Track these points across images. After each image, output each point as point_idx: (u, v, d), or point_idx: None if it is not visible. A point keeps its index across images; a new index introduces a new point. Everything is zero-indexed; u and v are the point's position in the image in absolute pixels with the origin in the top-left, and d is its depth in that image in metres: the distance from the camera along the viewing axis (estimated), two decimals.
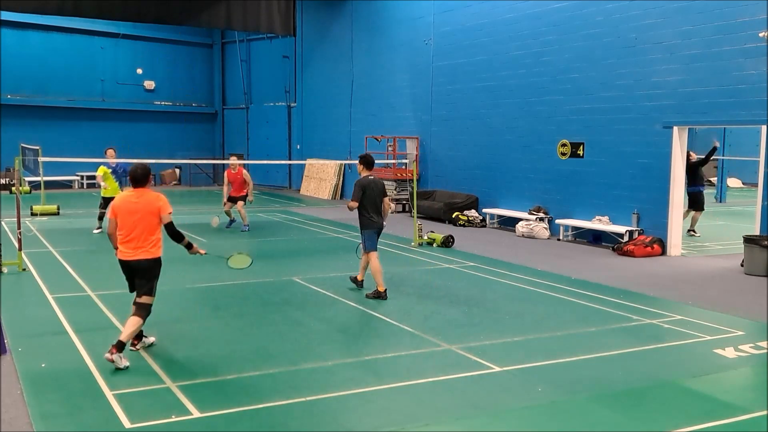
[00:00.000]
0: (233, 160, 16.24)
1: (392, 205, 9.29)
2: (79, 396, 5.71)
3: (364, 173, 9.50)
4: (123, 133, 29.83)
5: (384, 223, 9.62)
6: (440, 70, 20.03)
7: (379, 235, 9.63)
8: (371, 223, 9.40)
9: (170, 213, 6.78)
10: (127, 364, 6.33)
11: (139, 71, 30.98)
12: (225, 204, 16.06)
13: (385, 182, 21.20)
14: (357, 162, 9.77)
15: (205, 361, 6.69)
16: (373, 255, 9.44)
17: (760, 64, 11.96)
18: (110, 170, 14.73)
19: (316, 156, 26.68)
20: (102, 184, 14.86)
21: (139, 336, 6.92)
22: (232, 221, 16.17)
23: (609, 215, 14.76)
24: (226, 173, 16.11)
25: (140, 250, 6.63)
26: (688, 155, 14.80)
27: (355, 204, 9.29)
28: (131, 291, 6.87)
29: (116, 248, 6.76)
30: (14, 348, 6.88)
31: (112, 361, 6.23)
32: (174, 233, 6.87)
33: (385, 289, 9.36)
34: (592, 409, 5.63)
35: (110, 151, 15.01)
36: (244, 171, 16.00)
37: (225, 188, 16.21)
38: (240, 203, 15.80)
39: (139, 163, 6.95)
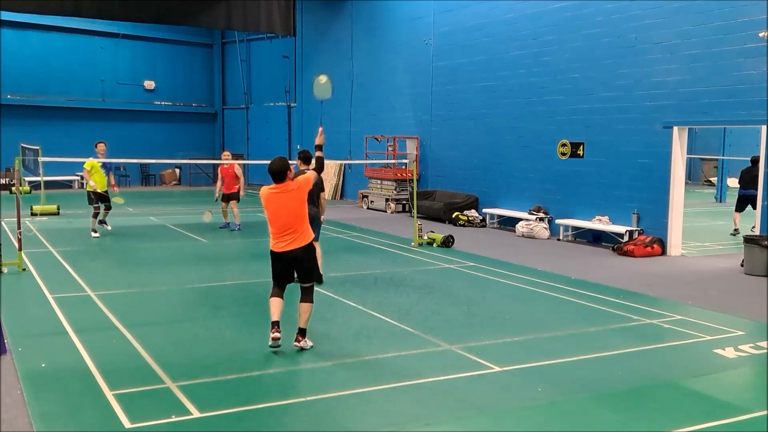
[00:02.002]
0: (226, 155, 16.14)
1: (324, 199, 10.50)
2: (79, 396, 5.71)
3: (302, 167, 9.99)
4: (123, 133, 29.84)
5: (322, 218, 10.12)
6: (440, 70, 20.03)
7: (314, 226, 10.03)
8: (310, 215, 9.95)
9: (312, 175, 7.10)
10: (312, 344, 6.98)
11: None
12: (217, 200, 16.15)
13: (386, 182, 21.37)
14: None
15: (205, 361, 6.68)
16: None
17: (760, 64, 11.96)
18: (100, 164, 14.44)
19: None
20: (90, 182, 14.47)
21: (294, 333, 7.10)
22: (227, 224, 16.08)
23: (609, 215, 14.76)
24: (219, 168, 16.08)
25: (295, 241, 6.82)
26: (756, 160, 14.89)
27: None
28: (276, 280, 7.04)
29: None
30: (14, 348, 6.88)
31: (302, 348, 6.84)
32: (320, 161, 7.46)
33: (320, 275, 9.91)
34: (592, 409, 5.63)
35: (101, 146, 14.66)
36: (236, 166, 15.79)
37: (218, 183, 16.06)
38: (233, 202, 15.73)
39: (277, 157, 6.96)
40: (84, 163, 14.63)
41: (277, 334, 6.79)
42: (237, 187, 15.65)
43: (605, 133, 14.89)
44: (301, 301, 7.01)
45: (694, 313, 8.80)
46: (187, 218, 18.57)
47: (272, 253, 6.97)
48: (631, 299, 9.55)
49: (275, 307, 6.94)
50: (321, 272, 10.01)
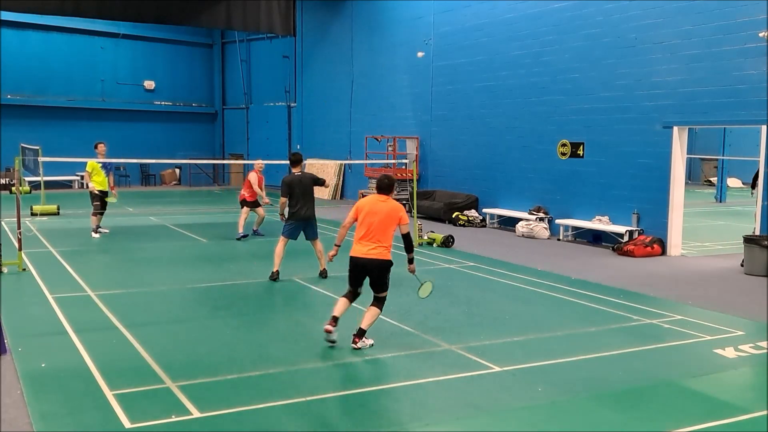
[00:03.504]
0: (259, 164, 14.81)
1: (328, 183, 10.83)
2: (79, 396, 5.71)
3: (292, 170, 10.39)
4: (123, 133, 29.84)
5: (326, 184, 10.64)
6: (440, 70, 20.03)
7: (305, 229, 10.43)
8: (296, 216, 10.31)
9: (407, 224, 7.30)
10: (372, 342, 7.09)
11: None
12: (245, 212, 14.88)
13: None
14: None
15: (205, 361, 6.68)
16: (281, 240, 10.46)
17: (760, 64, 11.96)
18: (100, 164, 14.36)
19: (316, 156, 26.67)
20: (89, 184, 14.41)
21: (361, 334, 7.14)
22: (244, 234, 14.63)
23: (609, 215, 14.76)
24: (253, 175, 14.61)
25: (373, 251, 7.09)
26: None
27: (284, 199, 10.37)
28: (352, 286, 7.28)
29: (337, 245, 7.46)
30: (14, 348, 6.88)
31: (359, 348, 6.94)
32: (409, 242, 7.39)
33: (278, 271, 10.31)
34: (592, 409, 5.63)
35: (101, 146, 14.55)
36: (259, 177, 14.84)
37: (247, 191, 14.69)
38: (260, 208, 14.91)
39: (386, 174, 7.52)
40: (86, 164, 14.60)
41: (329, 327, 7.02)
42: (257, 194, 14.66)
43: (605, 133, 14.89)
44: (371, 305, 7.22)
45: (694, 313, 8.80)
46: (187, 218, 18.57)
47: (350, 257, 7.23)
48: (631, 299, 9.55)
49: (340, 304, 7.22)
50: (277, 270, 10.38)
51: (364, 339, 7.04)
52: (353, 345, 6.99)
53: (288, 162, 10.76)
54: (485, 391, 6.01)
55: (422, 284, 7.56)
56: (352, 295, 7.33)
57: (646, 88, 13.96)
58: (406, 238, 7.33)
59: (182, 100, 32.72)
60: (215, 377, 6.20)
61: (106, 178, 14.57)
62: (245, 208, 14.85)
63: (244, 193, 14.78)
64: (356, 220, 7.27)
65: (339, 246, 7.48)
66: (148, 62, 31.57)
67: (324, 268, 10.65)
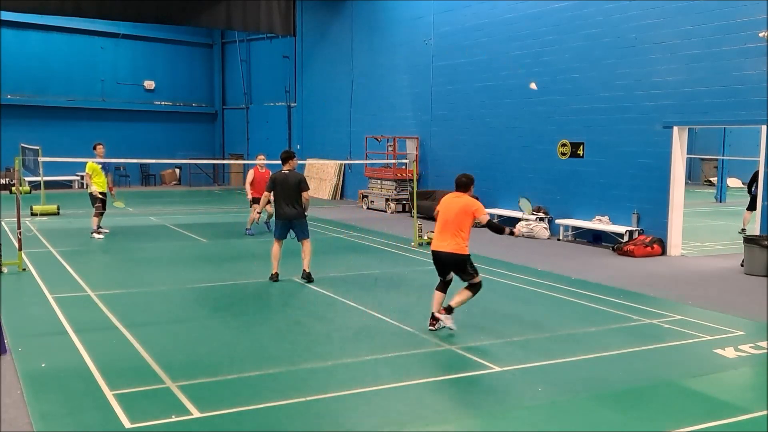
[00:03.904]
0: (261, 158, 15.22)
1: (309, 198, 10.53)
2: (79, 396, 5.71)
3: (284, 168, 10.28)
4: (123, 133, 29.86)
5: (306, 212, 10.37)
6: (440, 70, 20.03)
7: (292, 228, 10.34)
8: (278, 214, 10.31)
9: (485, 214, 7.72)
10: (449, 324, 7.49)
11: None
12: (257, 210, 14.74)
13: (386, 182, 21.37)
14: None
15: (205, 361, 6.69)
16: (275, 242, 10.43)
17: (760, 64, 11.96)
18: (100, 165, 14.33)
19: (316, 156, 26.68)
20: (91, 186, 14.35)
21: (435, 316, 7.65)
22: (267, 222, 15.33)
23: (609, 215, 14.76)
24: (253, 171, 15.01)
25: (448, 244, 7.53)
26: None
27: (267, 193, 10.53)
28: (440, 275, 7.79)
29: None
30: (14, 348, 6.88)
31: (436, 328, 7.54)
32: (495, 228, 7.80)
33: (277, 273, 10.35)
34: (592, 409, 5.63)
35: (100, 148, 14.55)
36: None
37: (249, 187, 15.05)
38: (269, 205, 15.06)
39: (465, 173, 7.92)
40: (86, 165, 14.57)
41: (433, 326, 7.61)
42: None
43: (605, 133, 14.88)
44: (465, 288, 7.66)
45: (694, 313, 8.80)
46: (187, 218, 18.58)
47: (431, 251, 7.78)
48: (631, 299, 9.54)
49: (436, 299, 7.75)
50: (276, 271, 10.44)
51: (447, 317, 7.49)
52: (431, 326, 7.60)
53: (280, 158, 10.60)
54: (485, 391, 6.02)
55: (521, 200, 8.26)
56: (444, 285, 7.80)
57: (646, 88, 13.96)
58: (491, 227, 7.76)
59: (182, 100, 32.73)
60: (215, 377, 6.20)
61: (106, 180, 14.55)
62: (255, 205, 14.72)
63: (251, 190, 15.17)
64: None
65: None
66: (148, 62, 31.58)
67: (308, 271, 10.34)
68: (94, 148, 14.70)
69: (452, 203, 7.67)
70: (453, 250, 7.51)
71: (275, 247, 10.43)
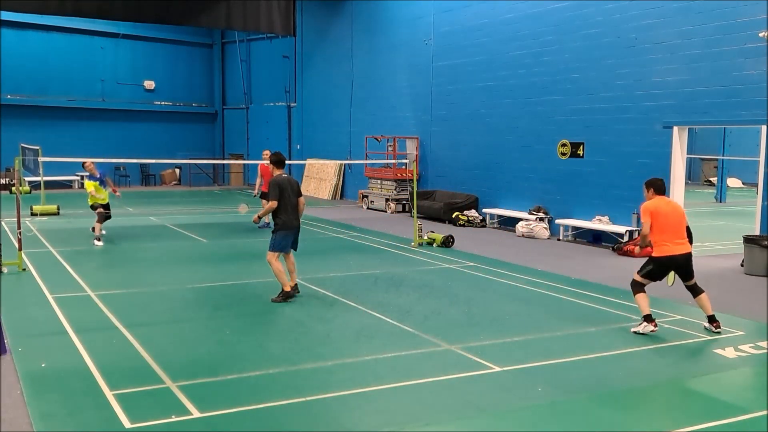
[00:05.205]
0: (267, 154, 15.25)
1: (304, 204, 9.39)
2: (79, 396, 5.71)
3: (277, 172, 9.25)
4: (123, 133, 29.87)
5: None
6: (440, 70, 20.03)
7: (296, 237, 9.29)
8: (287, 224, 9.08)
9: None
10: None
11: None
12: (256, 196, 16.32)
13: (386, 182, 21.37)
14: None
15: (205, 361, 6.69)
16: (272, 255, 9.08)
17: (760, 64, 11.96)
18: (98, 182, 14.16)
19: (316, 156, 26.68)
20: (99, 196, 14.19)
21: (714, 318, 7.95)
22: (267, 224, 15.01)
23: (609, 215, 14.76)
24: (259, 167, 16.09)
25: (685, 246, 7.82)
26: None
27: (275, 203, 8.98)
28: (653, 280, 7.98)
29: (645, 246, 8.05)
30: (14, 348, 6.88)
31: (638, 332, 7.75)
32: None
33: (295, 285, 9.25)
34: (592, 409, 5.63)
35: (89, 164, 14.28)
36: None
37: (258, 181, 16.32)
38: None
39: (657, 178, 8.20)
40: (84, 164, 14.48)
41: (654, 328, 7.78)
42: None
43: (605, 133, 14.89)
44: (696, 296, 7.96)
45: (694, 313, 8.79)
46: (187, 218, 18.57)
47: (661, 258, 7.81)
48: (631, 299, 9.47)
49: (645, 300, 7.91)
50: (290, 285, 9.20)
51: (719, 324, 7.86)
52: (711, 327, 7.87)
53: (269, 163, 9.59)
54: (485, 391, 6.01)
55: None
56: (644, 287, 7.99)
57: (646, 88, 13.96)
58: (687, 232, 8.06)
59: (182, 100, 32.72)
60: (215, 377, 6.20)
61: (106, 191, 14.44)
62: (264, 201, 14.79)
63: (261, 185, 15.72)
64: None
65: None
66: (148, 62, 31.57)
67: (296, 284, 9.37)
68: (83, 165, 14.49)
69: (671, 207, 7.93)
70: (689, 250, 7.84)
71: (277, 264, 9.10)
